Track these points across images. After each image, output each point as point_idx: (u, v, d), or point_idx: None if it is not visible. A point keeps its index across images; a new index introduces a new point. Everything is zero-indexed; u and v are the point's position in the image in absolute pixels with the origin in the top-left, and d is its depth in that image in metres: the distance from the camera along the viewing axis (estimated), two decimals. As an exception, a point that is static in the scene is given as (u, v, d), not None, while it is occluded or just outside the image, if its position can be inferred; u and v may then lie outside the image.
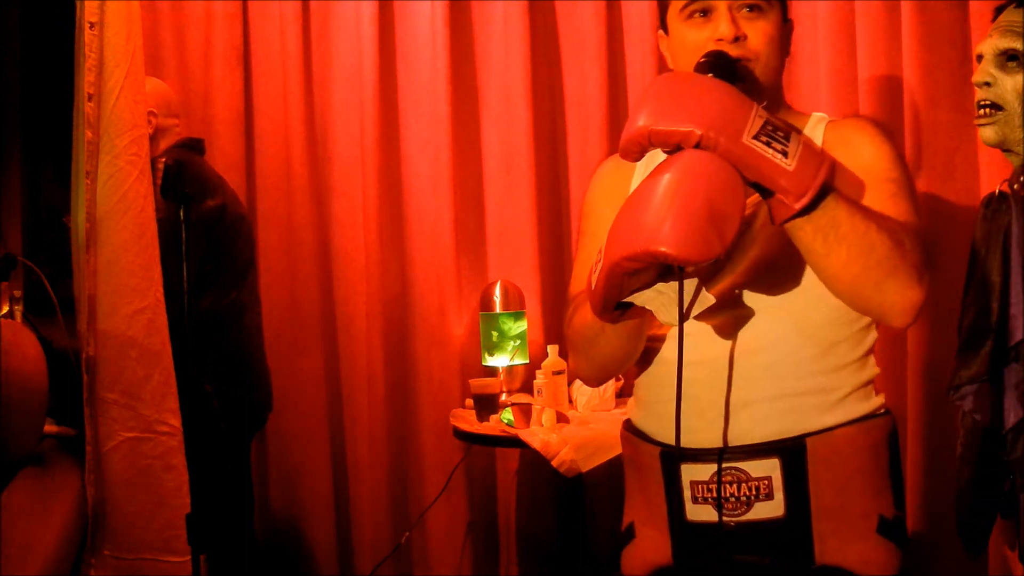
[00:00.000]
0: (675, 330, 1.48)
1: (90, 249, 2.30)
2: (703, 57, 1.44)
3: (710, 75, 1.39)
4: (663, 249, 1.23)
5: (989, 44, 1.81)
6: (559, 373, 3.00)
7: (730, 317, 1.49)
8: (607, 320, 1.41)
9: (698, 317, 1.44)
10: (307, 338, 3.47)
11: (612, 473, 3.04)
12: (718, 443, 1.47)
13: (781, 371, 1.48)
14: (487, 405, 3.02)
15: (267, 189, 3.48)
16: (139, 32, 2.39)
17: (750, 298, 1.49)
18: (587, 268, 1.45)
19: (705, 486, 1.48)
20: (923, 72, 2.53)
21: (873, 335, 1.55)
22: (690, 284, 1.34)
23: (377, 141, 3.41)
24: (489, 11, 3.40)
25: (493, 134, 3.41)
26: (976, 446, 1.86)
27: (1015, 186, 1.81)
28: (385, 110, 3.43)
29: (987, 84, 1.80)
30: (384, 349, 3.42)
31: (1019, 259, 1.75)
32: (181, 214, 2.18)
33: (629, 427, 1.64)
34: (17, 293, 2.80)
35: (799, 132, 1.33)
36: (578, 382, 3.05)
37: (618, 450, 2.73)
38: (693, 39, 1.51)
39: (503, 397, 3.08)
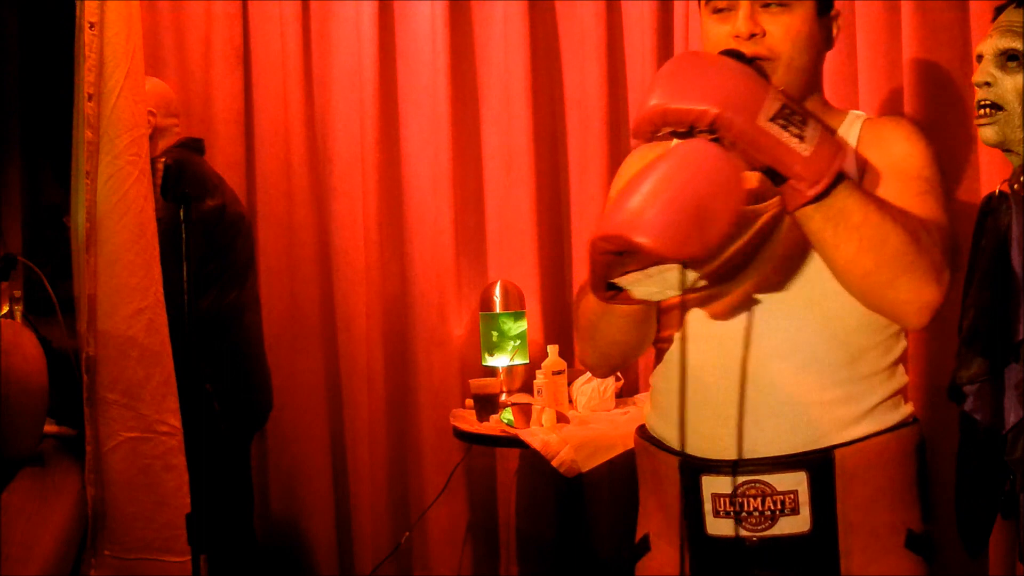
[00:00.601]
0: (691, 331, 1.46)
1: (90, 249, 2.30)
2: None
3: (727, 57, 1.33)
4: (638, 239, 1.17)
5: (989, 44, 1.81)
6: (559, 373, 3.00)
7: (754, 319, 1.43)
8: (602, 299, 1.34)
9: (720, 317, 1.42)
10: (307, 338, 3.47)
11: (612, 473, 3.04)
12: (742, 454, 1.42)
13: (808, 378, 1.42)
14: (487, 405, 3.02)
15: (267, 189, 3.49)
16: (139, 32, 2.39)
17: (776, 299, 1.42)
18: None
19: (727, 499, 1.41)
20: (923, 72, 2.53)
21: (903, 343, 1.50)
22: (671, 268, 1.27)
23: (377, 141, 3.41)
24: (489, 11, 3.40)
25: (493, 134, 3.41)
26: (976, 446, 1.86)
27: (1015, 186, 1.81)
28: (385, 110, 3.43)
29: (987, 84, 1.80)
30: (384, 349, 3.42)
31: (1019, 259, 1.75)
32: (181, 214, 2.18)
33: (644, 434, 1.57)
34: (17, 293, 2.80)
35: (816, 118, 1.28)
36: (578, 382, 3.05)
37: (618, 450, 2.76)
38: (715, 34, 1.46)
39: (503, 397, 3.08)
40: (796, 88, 1.47)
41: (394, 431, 3.45)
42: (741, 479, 1.41)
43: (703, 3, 1.50)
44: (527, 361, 3.20)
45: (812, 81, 1.51)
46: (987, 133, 1.82)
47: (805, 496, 1.39)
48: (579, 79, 3.34)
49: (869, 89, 2.66)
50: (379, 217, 3.42)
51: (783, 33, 1.44)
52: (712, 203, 1.20)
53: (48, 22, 3.35)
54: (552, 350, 3.04)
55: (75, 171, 2.37)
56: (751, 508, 1.40)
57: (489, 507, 3.43)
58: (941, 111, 2.50)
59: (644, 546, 1.56)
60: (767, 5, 1.44)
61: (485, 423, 2.99)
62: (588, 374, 3.01)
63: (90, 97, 2.29)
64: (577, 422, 2.91)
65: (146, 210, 2.36)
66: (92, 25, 2.28)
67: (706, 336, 1.47)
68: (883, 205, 1.31)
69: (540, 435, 2.77)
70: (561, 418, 2.90)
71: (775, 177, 1.27)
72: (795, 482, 1.39)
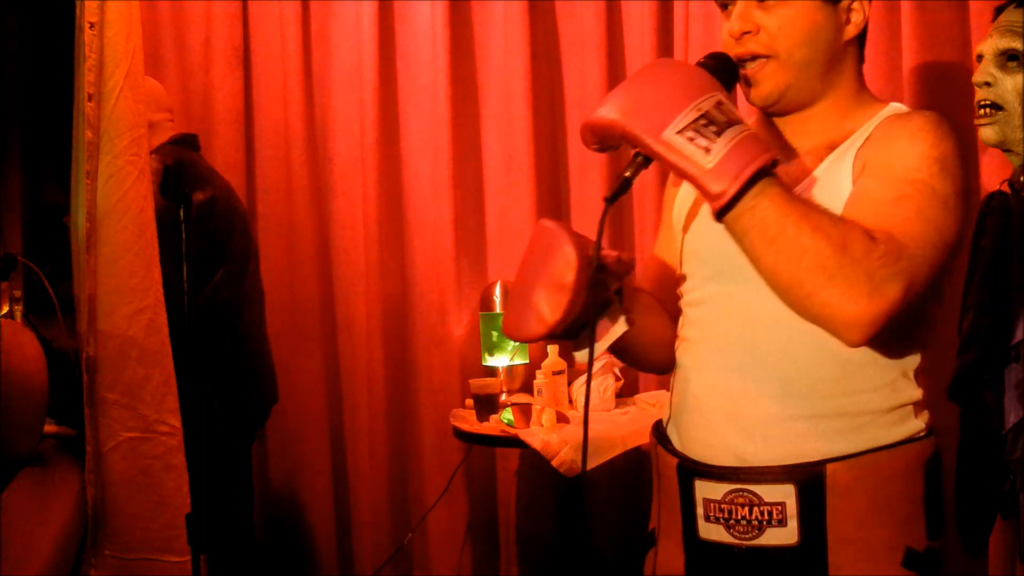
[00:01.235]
0: (691, 334, 1.50)
1: (90, 249, 2.30)
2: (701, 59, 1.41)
3: (691, 64, 1.35)
4: (506, 334, 1.39)
5: (989, 44, 1.81)
6: (559, 373, 2.99)
7: (749, 326, 1.40)
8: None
9: (718, 323, 1.43)
10: (307, 338, 3.47)
11: (612, 473, 3.05)
12: (731, 461, 1.40)
13: (798, 389, 1.38)
14: (487, 405, 3.02)
15: (267, 189, 3.49)
16: (139, 32, 2.39)
17: (771, 307, 1.34)
18: (655, 260, 1.61)
19: (717, 505, 1.40)
20: (923, 72, 2.53)
21: (914, 355, 1.42)
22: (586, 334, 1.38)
23: (377, 141, 3.41)
24: (489, 11, 3.40)
25: (493, 134, 3.41)
26: (976, 446, 1.86)
27: (1015, 186, 1.81)
28: (385, 110, 3.43)
29: (987, 84, 1.80)
30: (384, 349, 3.42)
31: (1019, 259, 1.75)
32: (181, 214, 2.18)
33: (657, 429, 1.57)
34: (17, 293, 2.81)
35: (742, 125, 1.24)
36: (578, 382, 3.05)
37: (618, 450, 2.76)
38: (723, 33, 1.46)
39: (503, 397, 3.08)
40: (803, 82, 1.43)
41: (394, 431, 3.45)
42: (730, 487, 1.39)
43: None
44: (527, 361, 3.20)
45: (827, 73, 1.44)
46: (987, 133, 1.82)
47: (793, 509, 1.36)
48: (579, 79, 3.34)
49: (869, 89, 2.66)
50: (379, 217, 3.42)
51: (777, 28, 1.40)
52: (548, 281, 1.31)
53: (48, 22, 3.35)
54: (552, 350, 3.03)
55: (75, 171, 2.37)
56: (739, 516, 1.39)
57: (489, 507, 3.43)
58: (941, 111, 2.50)
59: (651, 539, 1.57)
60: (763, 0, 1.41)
61: (485, 423, 2.99)
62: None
63: (90, 97, 2.29)
64: (577, 422, 2.91)
65: (146, 210, 2.36)
66: (92, 25, 2.28)
67: (704, 340, 1.48)
68: (807, 214, 1.24)
69: (540, 435, 2.77)
70: (561, 418, 2.90)
71: None
72: (783, 494, 1.36)
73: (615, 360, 3.08)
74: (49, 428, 2.42)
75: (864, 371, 1.39)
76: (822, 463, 1.36)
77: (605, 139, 1.30)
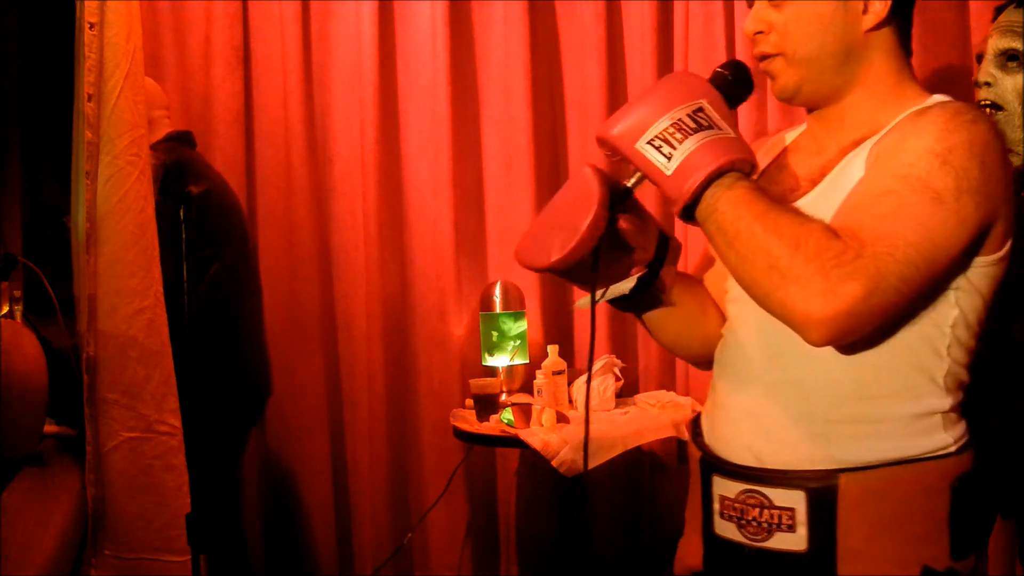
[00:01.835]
0: (724, 330, 1.52)
1: (90, 249, 2.30)
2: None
3: (694, 75, 1.37)
4: (516, 256, 1.41)
5: (989, 44, 1.81)
6: (559, 373, 3.00)
7: (766, 322, 1.31)
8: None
9: (744, 321, 1.44)
10: (307, 338, 3.47)
11: (612, 473, 3.05)
12: (750, 460, 1.39)
13: (812, 391, 1.36)
14: (487, 405, 3.02)
15: (267, 189, 3.48)
16: (139, 32, 2.39)
17: None
18: (708, 258, 1.61)
19: (731, 503, 1.40)
20: (923, 72, 2.53)
21: (943, 362, 1.35)
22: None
23: (377, 141, 3.41)
24: (489, 11, 3.40)
25: (493, 134, 3.41)
26: (976, 446, 1.86)
27: (1015, 187, 1.81)
28: (385, 110, 3.43)
29: (987, 84, 1.80)
30: (384, 349, 3.42)
31: (1019, 260, 1.75)
32: (181, 214, 2.18)
33: (695, 421, 1.56)
34: (17, 293, 2.80)
35: (713, 131, 1.27)
36: (578, 382, 3.05)
37: (618, 450, 2.76)
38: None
39: (503, 397, 3.09)
40: (816, 76, 1.41)
41: (394, 431, 3.45)
42: (744, 486, 1.39)
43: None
44: (527, 361, 3.20)
45: (844, 67, 1.41)
46: (987, 133, 1.82)
47: (803, 516, 1.34)
48: (579, 79, 3.34)
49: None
50: (379, 217, 3.42)
51: (784, 25, 1.40)
52: (566, 216, 1.34)
53: (48, 22, 3.35)
54: (552, 350, 3.04)
55: (75, 171, 2.37)
56: (750, 517, 1.38)
57: (489, 507, 3.43)
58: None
59: (682, 529, 1.57)
60: None
61: (485, 423, 2.99)
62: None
63: (90, 97, 2.29)
64: (577, 422, 2.91)
65: (146, 210, 2.36)
66: (92, 25, 2.28)
67: (733, 337, 1.50)
68: (764, 213, 1.24)
69: (540, 435, 2.77)
70: (561, 418, 2.90)
71: None
72: (793, 500, 1.34)
73: (615, 360, 3.10)
74: (49, 428, 2.42)
75: (882, 376, 1.34)
76: (835, 472, 1.33)
77: (606, 150, 1.34)
